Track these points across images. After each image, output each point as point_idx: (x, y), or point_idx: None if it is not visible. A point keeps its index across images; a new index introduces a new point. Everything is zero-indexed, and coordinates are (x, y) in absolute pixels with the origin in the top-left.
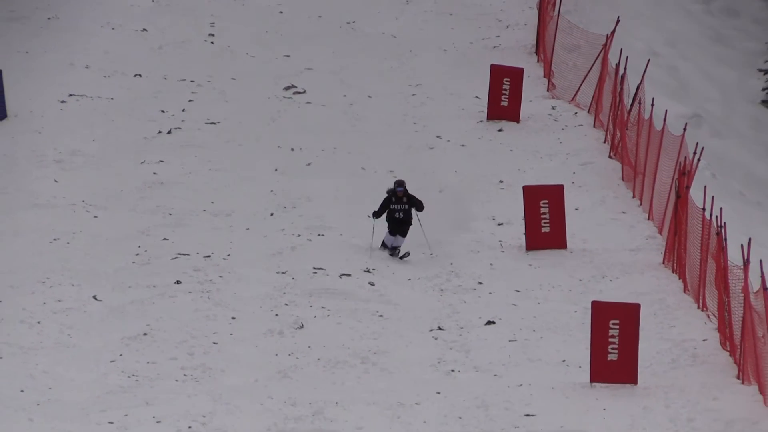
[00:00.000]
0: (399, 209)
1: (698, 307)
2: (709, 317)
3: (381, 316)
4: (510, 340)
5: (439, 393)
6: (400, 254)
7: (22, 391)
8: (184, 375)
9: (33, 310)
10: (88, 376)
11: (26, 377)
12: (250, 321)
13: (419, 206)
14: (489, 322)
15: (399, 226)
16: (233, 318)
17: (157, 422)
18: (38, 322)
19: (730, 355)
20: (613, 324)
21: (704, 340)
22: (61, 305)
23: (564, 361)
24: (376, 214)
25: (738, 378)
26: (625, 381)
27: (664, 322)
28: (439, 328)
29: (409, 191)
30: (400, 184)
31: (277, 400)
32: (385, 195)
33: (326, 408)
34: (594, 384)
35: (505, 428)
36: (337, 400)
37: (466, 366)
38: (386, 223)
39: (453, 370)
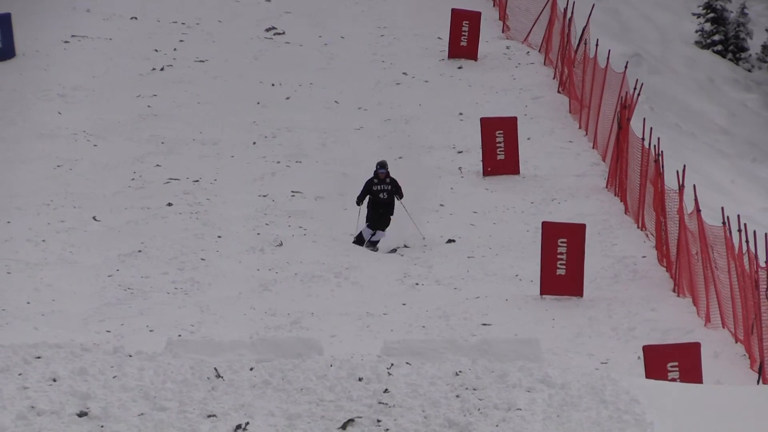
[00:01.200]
0: (382, 189)
1: (638, 227)
2: (647, 236)
3: (352, 234)
4: (468, 257)
5: (404, 304)
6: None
7: (28, 303)
8: (175, 288)
9: (38, 230)
10: (88, 289)
11: (32, 290)
12: (235, 239)
13: (399, 193)
14: (449, 241)
15: (381, 212)
16: (219, 236)
17: (150, 331)
18: (43, 241)
19: (667, 271)
20: (561, 242)
21: (643, 257)
22: (64, 225)
23: (517, 275)
24: (359, 199)
25: (674, 291)
26: (572, 294)
27: (607, 241)
28: (405, 245)
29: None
30: (382, 165)
31: (259, 310)
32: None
33: (303, 318)
34: (544, 296)
35: (464, 336)
36: (312, 311)
37: (428, 280)
38: (366, 211)
39: (417, 284)
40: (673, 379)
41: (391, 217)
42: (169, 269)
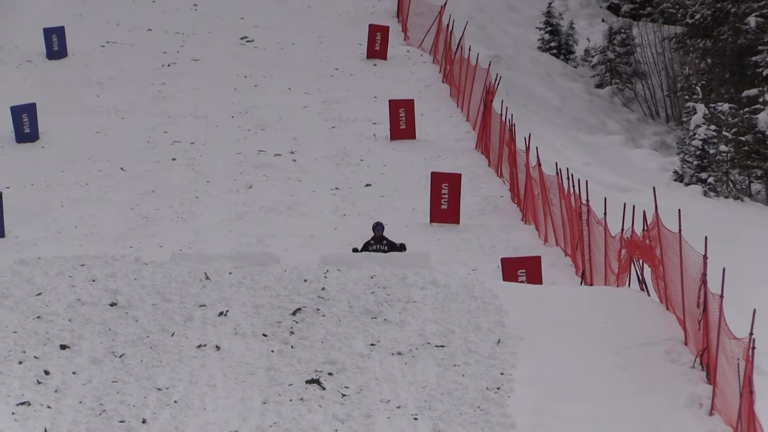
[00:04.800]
0: (379, 249)
1: (498, 176)
2: (504, 182)
3: (300, 180)
4: (380, 196)
5: (336, 229)
6: None
7: (75, 227)
8: (177, 217)
9: (83, 176)
10: (118, 218)
11: (78, 219)
12: (218, 183)
13: (398, 248)
14: (367, 185)
15: None
16: (207, 181)
17: (160, 247)
18: (86, 184)
19: (517, 206)
20: (444, 186)
21: (501, 196)
22: (101, 173)
23: (413, 209)
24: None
25: (522, 221)
26: (451, 222)
27: (476, 185)
28: (336, 188)
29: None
30: (378, 224)
31: (235, 233)
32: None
33: (265, 238)
34: (432, 223)
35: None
36: (272, 233)
37: (352, 212)
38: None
39: (344, 215)
40: (522, 282)
41: None
42: (173, 204)
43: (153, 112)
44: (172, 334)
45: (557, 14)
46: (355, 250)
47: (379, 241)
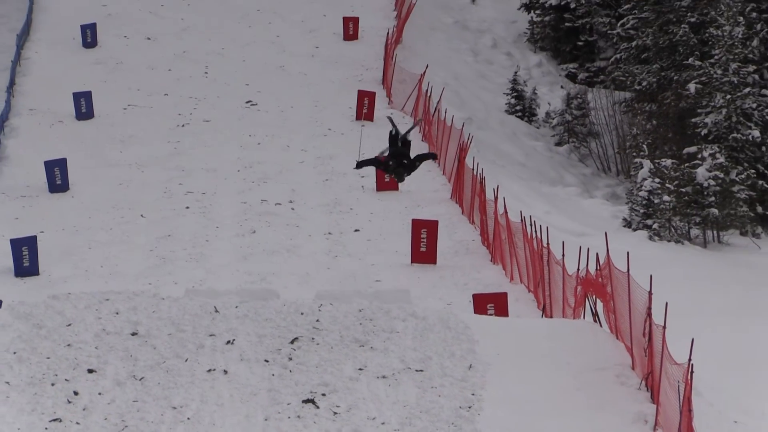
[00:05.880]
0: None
1: (470, 222)
2: (475, 228)
3: (297, 226)
4: (368, 240)
5: (328, 268)
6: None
7: (101, 266)
8: (190, 258)
9: (107, 222)
10: (138, 258)
11: (103, 259)
12: (227, 228)
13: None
14: (356, 230)
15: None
16: (217, 227)
17: (175, 283)
18: (110, 228)
19: (487, 249)
20: (423, 231)
21: (473, 240)
22: (123, 219)
23: (396, 251)
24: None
25: (491, 261)
26: (430, 262)
27: (451, 230)
28: (329, 233)
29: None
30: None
31: (241, 272)
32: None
33: (267, 276)
34: (413, 264)
35: (365, 288)
36: (273, 272)
37: (343, 254)
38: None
39: (336, 256)
40: (491, 314)
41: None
42: (186, 246)
43: (169, 166)
44: (186, 360)
45: (522, 82)
46: (374, 160)
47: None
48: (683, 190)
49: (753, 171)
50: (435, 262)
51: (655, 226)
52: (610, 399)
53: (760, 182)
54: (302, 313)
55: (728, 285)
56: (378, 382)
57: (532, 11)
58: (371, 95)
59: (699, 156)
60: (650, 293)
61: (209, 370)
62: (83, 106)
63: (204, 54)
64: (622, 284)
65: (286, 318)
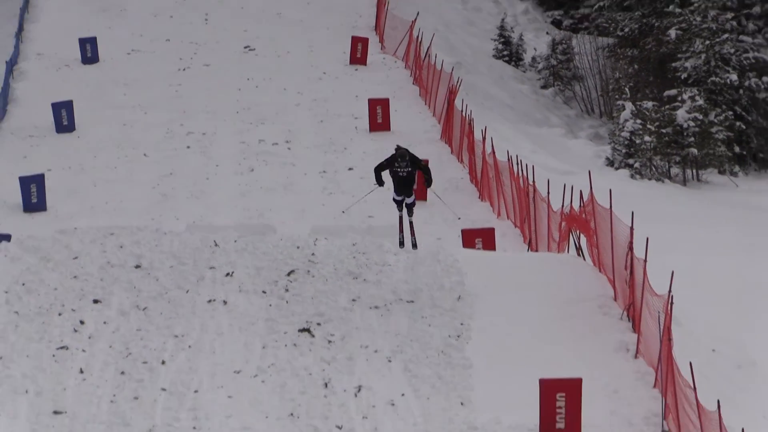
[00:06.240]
0: (402, 170)
1: (459, 161)
2: (464, 167)
3: (293, 165)
4: (361, 178)
5: (323, 205)
6: (413, 239)
7: (106, 203)
8: (191, 195)
9: (112, 161)
10: (141, 195)
11: (108, 196)
12: (226, 167)
13: (422, 166)
14: (350, 168)
15: (403, 183)
16: (217, 165)
17: (177, 219)
18: (115, 167)
19: (475, 186)
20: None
21: (462, 178)
22: (127, 158)
23: (389, 188)
24: (379, 168)
25: (479, 198)
26: (421, 199)
27: (441, 169)
28: (324, 171)
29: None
30: (402, 156)
31: (239, 208)
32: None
33: (265, 212)
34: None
35: (358, 223)
36: (270, 208)
37: (337, 191)
38: (391, 184)
39: (331, 193)
40: (479, 249)
41: (414, 188)
42: (187, 184)
43: (171, 108)
44: (187, 291)
45: (509, 28)
46: (378, 168)
47: (403, 157)
48: (664, 130)
49: (731, 113)
50: (426, 199)
51: (636, 165)
52: (593, 329)
53: (738, 123)
54: (298, 247)
55: (707, 221)
56: (371, 312)
57: None
58: (364, 41)
59: (679, 98)
60: (632, 228)
61: (209, 301)
62: (89, 51)
63: (204, 1)
64: (605, 220)
65: (282, 251)
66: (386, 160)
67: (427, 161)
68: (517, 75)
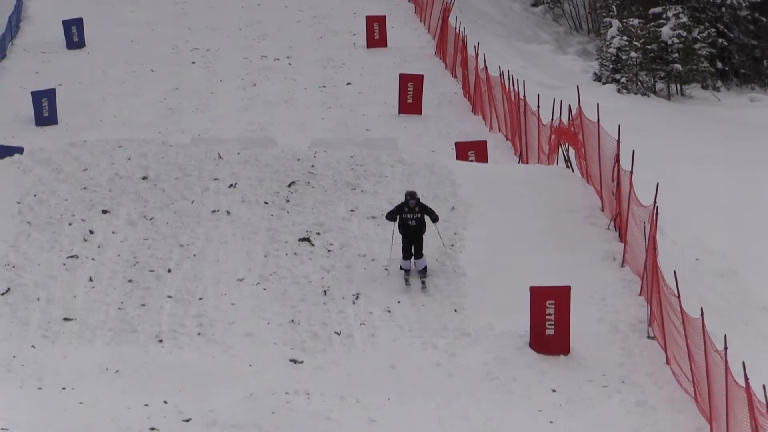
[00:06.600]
0: (412, 218)
1: (453, 77)
2: (457, 82)
3: (294, 80)
4: (359, 92)
5: (323, 118)
6: (423, 280)
7: (114, 116)
8: (196, 108)
9: (120, 76)
10: (148, 109)
11: (116, 110)
12: (229, 82)
13: (432, 215)
14: (348, 83)
15: (411, 238)
16: (221, 80)
17: (182, 132)
18: (123, 82)
19: (468, 101)
20: (410, 84)
21: (455, 93)
22: (135, 74)
23: (385, 103)
24: (390, 215)
25: (472, 112)
26: (416, 113)
27: (435, 84)
28: (323, 86)
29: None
30: (411, 196)
31: (242, 121)
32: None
33: (266, 126)
34: (400, 114)
35: (356, 136)
36: (272, 122)
37: (336, 105)
38: (399, 238)
39: (330, 107)
40: (472, 161)
41: (424, 235)
42: (192, 98)
43: (177, 25)
44: (192, 202)
45: None
46: (390, 214)
47: (413, 210)
48: (649, 47)
49: (714, 30)
50: (420, 113)
51: (623, 80)
52: (582, 238)
53: (720, 40)
54: (298, 159)
55: (692, 134)
56: (368, 222)
57: None
58: (381, 19)
59: (664, 16)
60: (618, 141)
61: (213, 211)
62: None
63: None
64: (593, 133)
65: (283, 163)
66: (396, 207)
67: (437, 218)
68: None
